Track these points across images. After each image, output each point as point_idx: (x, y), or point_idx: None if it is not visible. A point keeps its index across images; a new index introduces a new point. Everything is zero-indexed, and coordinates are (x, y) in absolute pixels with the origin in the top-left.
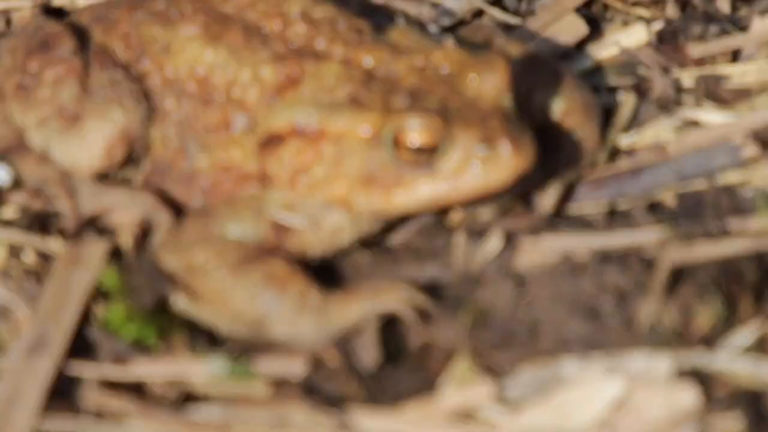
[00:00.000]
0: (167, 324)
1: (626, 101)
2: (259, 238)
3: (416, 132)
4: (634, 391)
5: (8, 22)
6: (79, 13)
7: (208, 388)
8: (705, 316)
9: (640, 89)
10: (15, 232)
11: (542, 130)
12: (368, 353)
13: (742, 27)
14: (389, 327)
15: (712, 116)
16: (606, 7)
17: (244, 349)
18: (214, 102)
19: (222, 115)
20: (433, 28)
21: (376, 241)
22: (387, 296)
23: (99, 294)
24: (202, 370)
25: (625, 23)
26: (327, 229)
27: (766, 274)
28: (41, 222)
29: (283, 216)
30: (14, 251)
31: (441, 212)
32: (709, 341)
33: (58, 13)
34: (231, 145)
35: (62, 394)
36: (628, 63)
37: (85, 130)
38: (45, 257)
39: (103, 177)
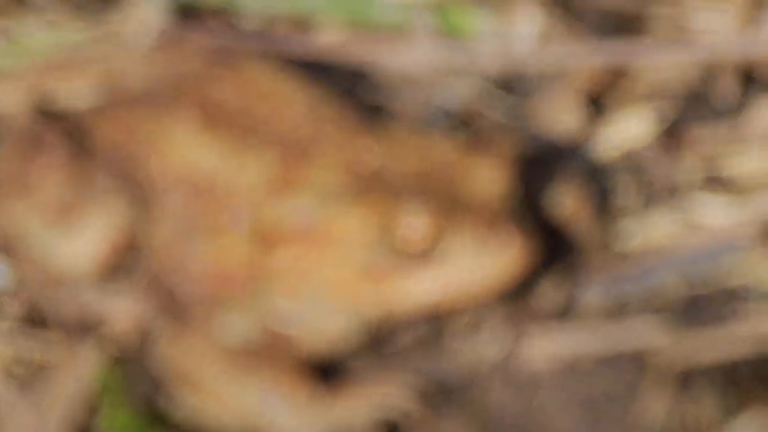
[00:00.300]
0: (171, 429)
1: (629, 191)
2: (262, 338)
3: (418, 227)
4: None
5: (3, 121)
6: (78, 111)
7: None
8: (709, 415)
9: (644, 181)
10: (13, 332)
11: (546, 223)
12: None
13: (746, 119)
14: (393, 427)
15: (715, 208)
16: (609, 96)
17: None
18: (215, 200)
19: (224, 213)
20: (434, 124)
21: (380, 340)
22: (391, 397)
23: (98, 397)
24: None
25: (629, 113)
26: (331, 328)
27: None
28: (40, 322)
29: (286, 315)
30: (12, 351)
31: (445, 312)
32: None
33: (55, 113)
34: (233, 244)
35: None
36: (631, 153)
37: (84, 229)
38: (43, 358)
39: (103, 275)
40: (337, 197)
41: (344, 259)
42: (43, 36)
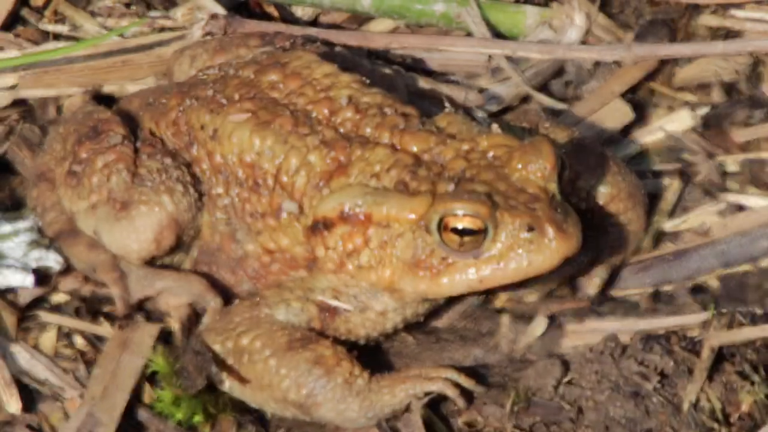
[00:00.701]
0: (215, 406)
1: (671, 186)
2: (306, 321)
3: (462, 217)
4: None
5: (59, 108)
6: (128, 99)
7: None
8: (747, 397)
9: (685, 174)
10: (65, 316)
11: (588, 214)
12: None
13: None
14: (435, 408)
15: (756, 200)
16: (652, 92)
17: (291, 431)
18: (263, 188)
19: (270, 200)
20: (479, 114)
21: (422, 323)
22: (433, 378)
23: (148, 377)
24: None
25: (671, 108)
26: (374, 313)
27: None
28: (91, 307)
29: (330, 300)
30: (64, 336)
31: (486, 295)
32: (752, 423)
33: (107, 100)
34: (279, 231)
35: None
36: (673, 148)
37: (135, 217)
38: (95, 342)
39: (153, 262)
40: (382, 184)
41: (389, 245)
42: (100, 26)
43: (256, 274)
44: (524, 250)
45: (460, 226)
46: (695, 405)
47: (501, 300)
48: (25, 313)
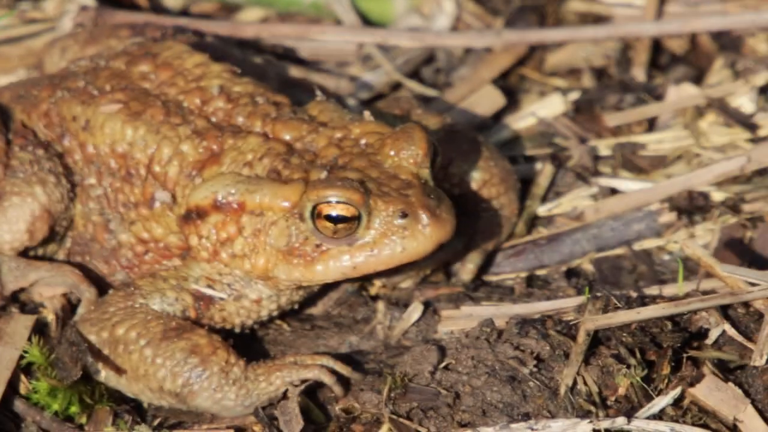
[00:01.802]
0: (91, 397)
1: (544, 170)
2: (181, 310)
3: (336, 204)
4: None
5: None
6: (1, 94)
7: None
8: (624, 380)
9: (558, 158)
10: None
11: (461, 200)
12: (292, 422)
13: (657, 96)
14: (312, 396)
15: (628, 184)
16: (522, 78)
17: (167, 421)
18: (135, 178)
19: (143, 190)
20: (351, 101)
21: (297, 311)
22: (309, 366)
23: (23, 368)
24: None
25: (542, 94)
26: (248, 301)
27: (683, 339)
28: None
29: (205, 288)
30: None
31: (362, 281)
32: (629, 405)
33: None
34: (152, 220)
35: None
36: (545, 133)
37: (7, 208)
38: None
39: (26, 253)
40: (255, 173)
41: (262, 233)
42: None
43: (130, 263)
44: (398, 237)
45: (333, 214)
46: (572, 389)
47: (376, 287)
48: None
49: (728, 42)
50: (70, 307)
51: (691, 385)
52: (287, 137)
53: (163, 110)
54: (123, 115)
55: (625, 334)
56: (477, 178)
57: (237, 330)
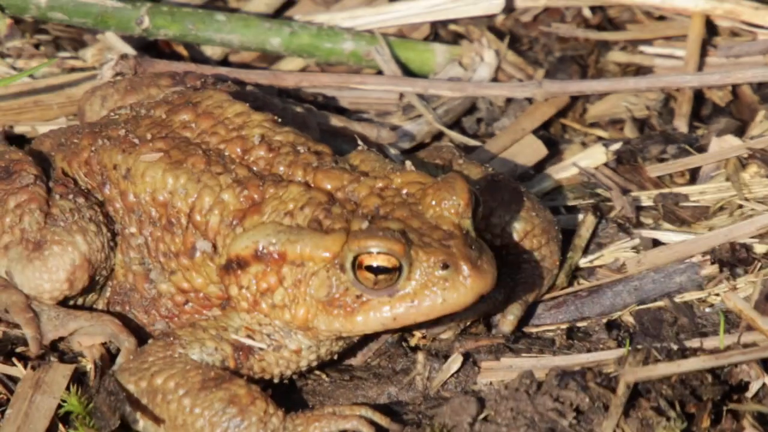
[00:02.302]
0: None
1: (585, 221)
2: (220, 360)
3: (377, 255)
4: None
5: None
6: (40, 140)
7: None
8: (662, 430)
9: (600, 209)
10: None
11: (502, 250)
12: None
13: (699, 147)
14: None
15: (670, 236)
16: (564, 128)
17: None
18: (176, 227)
19: (184, 239)
20: (392, 151)
21: (336, 361)
22: (348, 416)
23: (62, 418)
24: None
25: (584, 144)
26: (288, 351)
27: (723, 391)
28: (3, 348)
29: (244, 338)
30: None
31: (401, 332)
32: None
33: (19, 141)
34: (192, 270)
35: None
36: (586, 183)
37: (48, 257)
38: (7, 383)
39: (66, 302)
40: (296, 222)
41: (303, 283)
42: (9, 66)
43: (170, 313)
44: (439, 288)
45: (374, 264)
46: None
47: (416, 337)
48: None
49: None
50: (109, 356)
51: None
52: (328, 186)
53: (204, 159)
54: (164, 164)
55: (665, 387)
56: (518, 229)
57: (276, 380)
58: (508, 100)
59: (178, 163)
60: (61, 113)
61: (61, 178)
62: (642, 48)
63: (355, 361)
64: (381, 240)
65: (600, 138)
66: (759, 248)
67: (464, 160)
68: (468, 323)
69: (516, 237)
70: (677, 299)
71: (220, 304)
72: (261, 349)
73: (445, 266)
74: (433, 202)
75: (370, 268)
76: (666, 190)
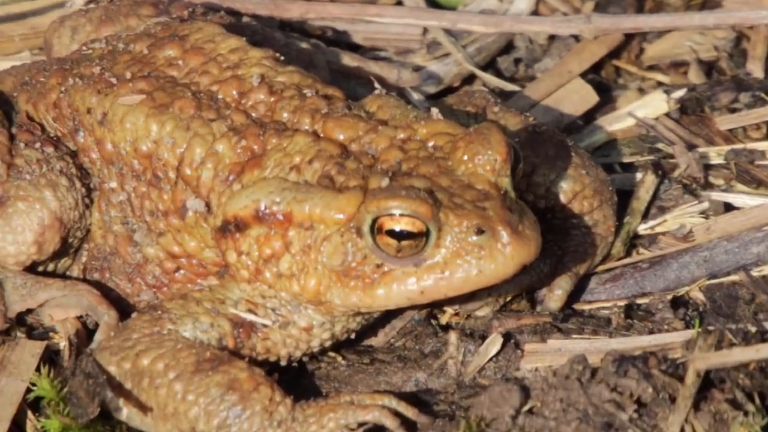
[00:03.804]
0: None
1: (645, 181)
2: (217, 338)
3: (400, 218)
4: None
5: None
6: (0, 78)
7: None
8: (740, 430)
9: (661, 167)
10: None
11: (547, 214)
12: None
13: None
14: None
15: (745, 199)
16: (618, 71)
17: None
18: (163, 182)
19: (172, 196)
20: (415, 96)
21: (353, 341)
22: (368, 406)
23: (31, 403)
24: None
25: (641, 90)
26: (296, 329)
27: None
28: None
29: (245, 313)
30: None
31: (430, 309)
32: None
33: None
34: (184, 232)
35: None
36: (645, 137)
37: (11, 216)
38: None
39: (34, 268)
40: (304, 178)
41: (313, 250)
42: None
43: (158, 282)
44: (473, 257)
45: (397, 228)
46: None
47: (447, 315)
48: None
49: None
50: (86, 332)
51: None
52: (341, 137)
53: (193, 103)
54: (146, 108)
55: (741, 376)
56: (566, 189)
57: (283, 363)
58: (551, 38)
59: (163, 108)
60: (24, 46)
61: (25, 123)
62: None
63: (376, 341)
64: (404, 200)
65: (660, 83)
66: None
67: (500, 108)
68: (508, 298)
69: (563, 198)
70: (754, 273)
71: (217, 272)
72: (265, 325)
73: (480, 231)
74: (465, 157)
75: (392, 233)
76: (739, 146)
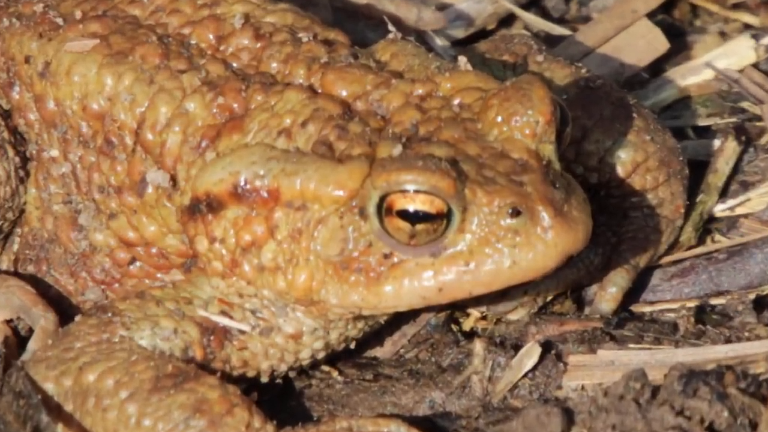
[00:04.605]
0: None
1: (724, 149)
2: (181, 348)
3: (414, 195)
4: None
5: None
6: None
7: None
8: None
9: (745, 132)
10: None
11: (601, 191)
12: None
13: None
14: None
15: None
16: (694, 10)
17: None
18: (118, 149)
19: (129, 168)
20: (439, 41)
21: (353, 353)
22: None
23: None
24: None
25: (723, 35)
26: (282, 336)
27: None
28: None
29: (218, 316)
30: None
31: (450, 311)
32: None
33: None
34: (142, 213)
35: None
36: (726, 93)
37: None
38: None
39: None
40: (296, 146)
41: (305, 235)
42: None
43: (108, 277)
44: (506, 244)
45: (411, 209)
46: None
47: (472, 319)
48: None
49: None
50: (17, 340)
51: None
52: (344, 93)
53: (159, 50)
54: (100, 56)
55: None
56: (625, 160)
57: (264, 379)
58: None
59: (120, 56)
60: None
61: None
62: None
63: (382, 352)
64: (421, 172)
65: (747, 26)
66: None
67: (545, 57)
68: (549, 298)
69: (621, 172)
70: None
71: (183, 265)
72: (242, 332)
73: (516, 212)
74: (499, 118)
75: (404, 215)
76: None
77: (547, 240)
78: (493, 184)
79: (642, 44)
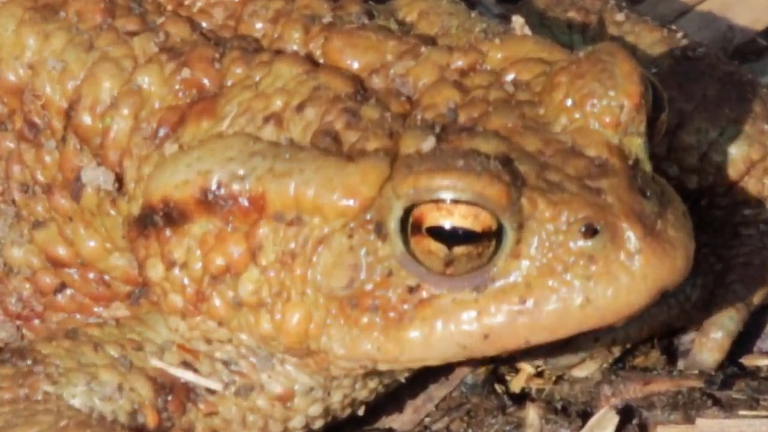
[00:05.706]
0: None
1: None
2: (127, 411)
3: (452, 206)
4: None
5: None
6: None
7: None
8: None
9: None
10: None
11: (702, 199)
12: None
13: None
14: None
15: None
16: None
17: None
18: (44, 135)
19: (61, 161)
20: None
21: (365, 420)
22: None
23: None
24: None
25: None
26: (266, 398)
27: None
28: None
29: (178, 368)
30: None
31: (494, 364)
32: None
33: None
34: (78, 222)
35: None
36: None
37: None
38: None
39: None
40: (287, 137)
41: (298, 259)
42: None
43: (27, 309)
44: (577, 275)
45: (447, 225)
46: None
47: (523, 376)
48: None
49: None
50: None
51: None
52: (355, 65)
53: (101, 4)
54: (20, 9)
55: None
56: (736, 157)
57: None
58: None
59: (48, 10)
60: None
61: None
62: None
63: (401, 422)
64: (462, 175)
65: None
66: None
67: (627, 16)
68: (628, 347)
69: (732, 173)
70: None
71: (129, 296)
72: (211, 391)
73: (592, 231)
74: (569, 102)
75: (438, 233)
76: None
77: (633, 269)
78: (560, 192)
79: (758, 3)
